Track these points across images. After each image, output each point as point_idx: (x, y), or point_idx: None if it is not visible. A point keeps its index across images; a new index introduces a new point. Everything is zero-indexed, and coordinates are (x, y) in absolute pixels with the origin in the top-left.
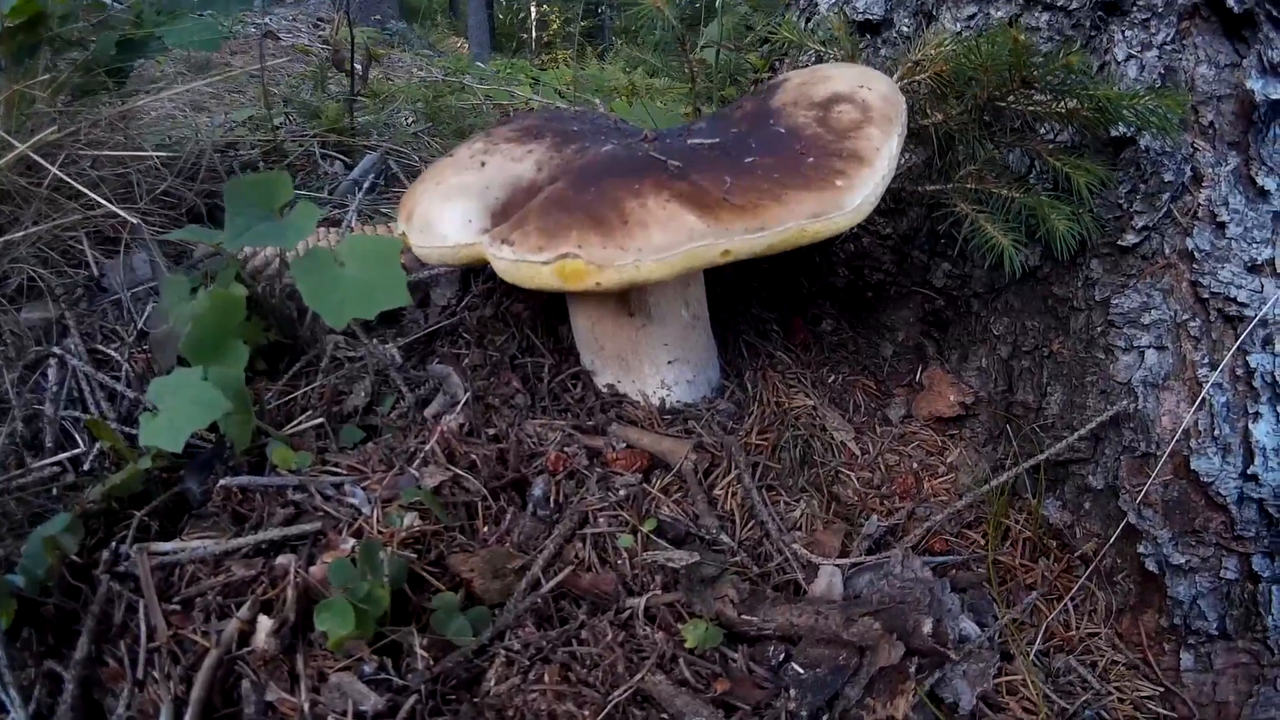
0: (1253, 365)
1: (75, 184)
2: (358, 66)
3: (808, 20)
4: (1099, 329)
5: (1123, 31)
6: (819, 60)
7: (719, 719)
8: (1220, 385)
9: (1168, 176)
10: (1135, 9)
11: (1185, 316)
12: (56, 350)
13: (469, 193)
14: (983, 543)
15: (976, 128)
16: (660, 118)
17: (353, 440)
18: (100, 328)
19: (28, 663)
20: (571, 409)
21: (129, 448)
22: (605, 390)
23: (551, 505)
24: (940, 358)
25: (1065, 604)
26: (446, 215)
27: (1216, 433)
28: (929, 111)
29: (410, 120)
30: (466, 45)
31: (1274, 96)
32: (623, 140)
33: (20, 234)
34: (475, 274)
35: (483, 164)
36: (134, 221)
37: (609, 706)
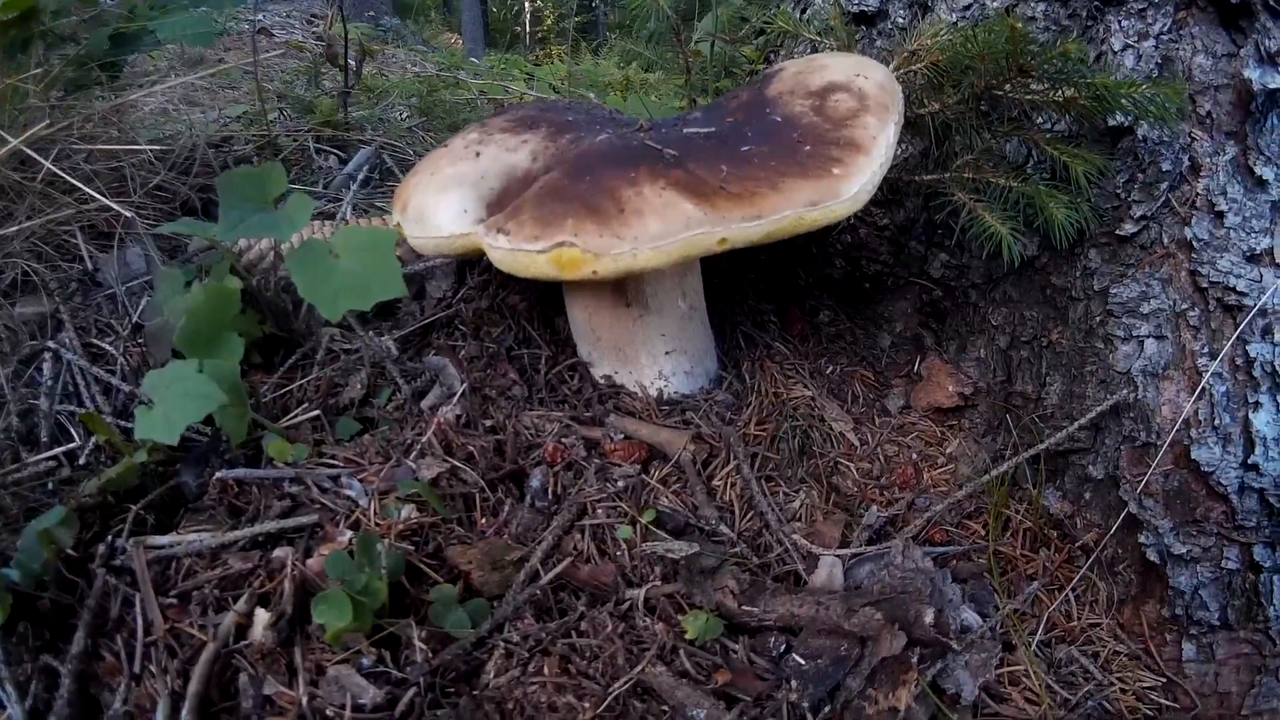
0: (1252, 354)
1: (69, 178)
2: (351, 62)
3: (803, 11)
4: (1098, 319)
5: (1119, 21)
6: (814, 51)
7: (720, 711)
8: (1220, 375)
9: (1166, 166)
10: None
11: (1184, 306)
12: (51, 345)
13: (464, 183)
14: (983, 533)
15: (973, 117)
16: (655, 112)
17: (349, 433)
18: (95, 322)
19: (24, 658)
20: (569, 400)
21: (124, 441)
22: (602, 381)
23: (550, 497)
24: (938, 348)
25: (1066, 594)
26: (442, 206)
27: (1217, 422)
28: (925, 101)
29: (404, 115)
30: (460, 41)
31: (1271, 86)
32: (618, 130)
33: (14, 229)
34: (471, 266)
35: (477, 154)
36: (128, 215)
37: (609, 699)
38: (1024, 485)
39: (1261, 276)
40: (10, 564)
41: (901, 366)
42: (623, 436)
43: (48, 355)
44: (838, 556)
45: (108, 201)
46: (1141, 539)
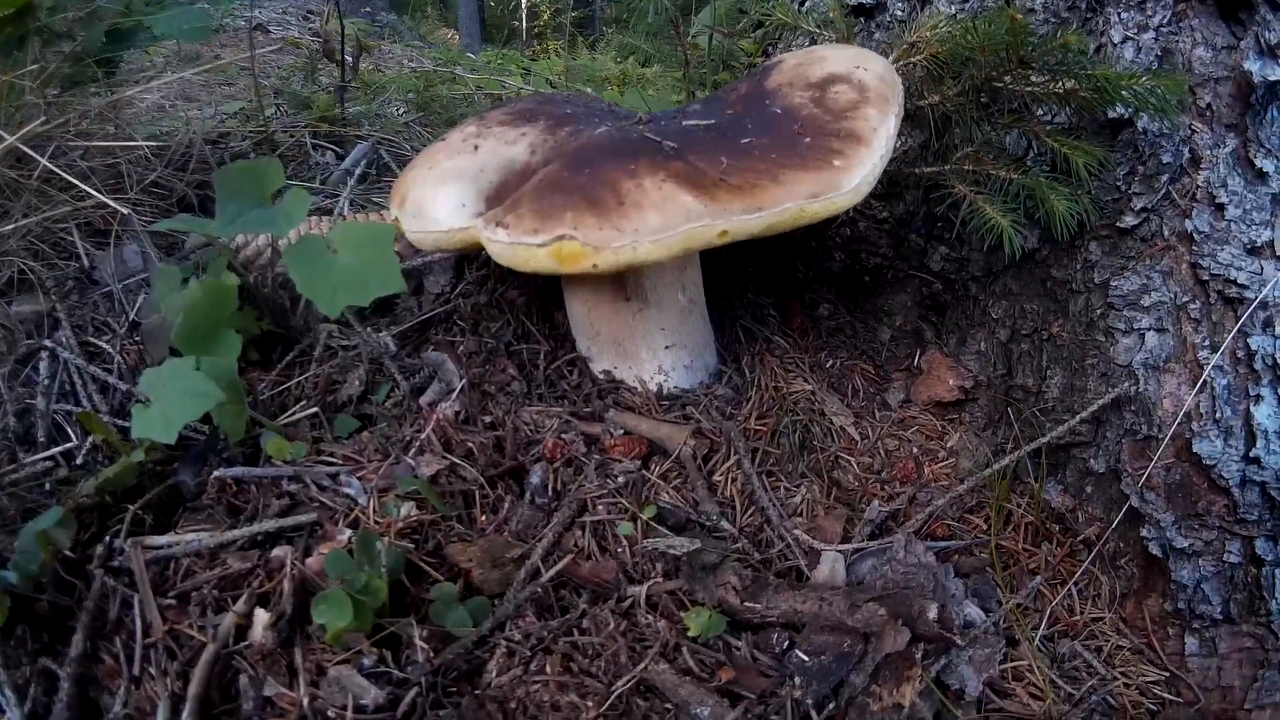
0: (1253, 347)
1: (65, 175)
2: (348, 57)
3: (801, 4)
4: (1099, 311)
5: (1119, 13)
6: (813, 43)
7: (724, 708)
8: (1221, 368)
9: (1166, 158)
10: None
11: (1185, 299)
12: (48, 343)
13: (462, 177)
14: (985, 527)
15: (974, 109)
16: (653, 105)
17: (348, 430)
18: (92, 320)
19: (22, 661)
20: (568, 395)
21: (122, 440)
22: (602, 376)
23: (550, 493)
24: (939, 342)
25: (1069, 589)
26: (440, 200)
27: (1218, 415)
28: (925, 93)
29: (401, 110)
30: (457, 36)
31: (1271, 78)
32: (617, 122)
33: (10, 226)
34: (469, 261)
35: (476, 148)
36: (125, 212)
37: (612, 697)
38: (1025, 479)
39: (1262, 269)
40: (8, 566)
41: (902, 360)
42: (623, 432)
43: (44, 354)
44: (839, 552)
45: (104, 198)
46: (1143, 533)
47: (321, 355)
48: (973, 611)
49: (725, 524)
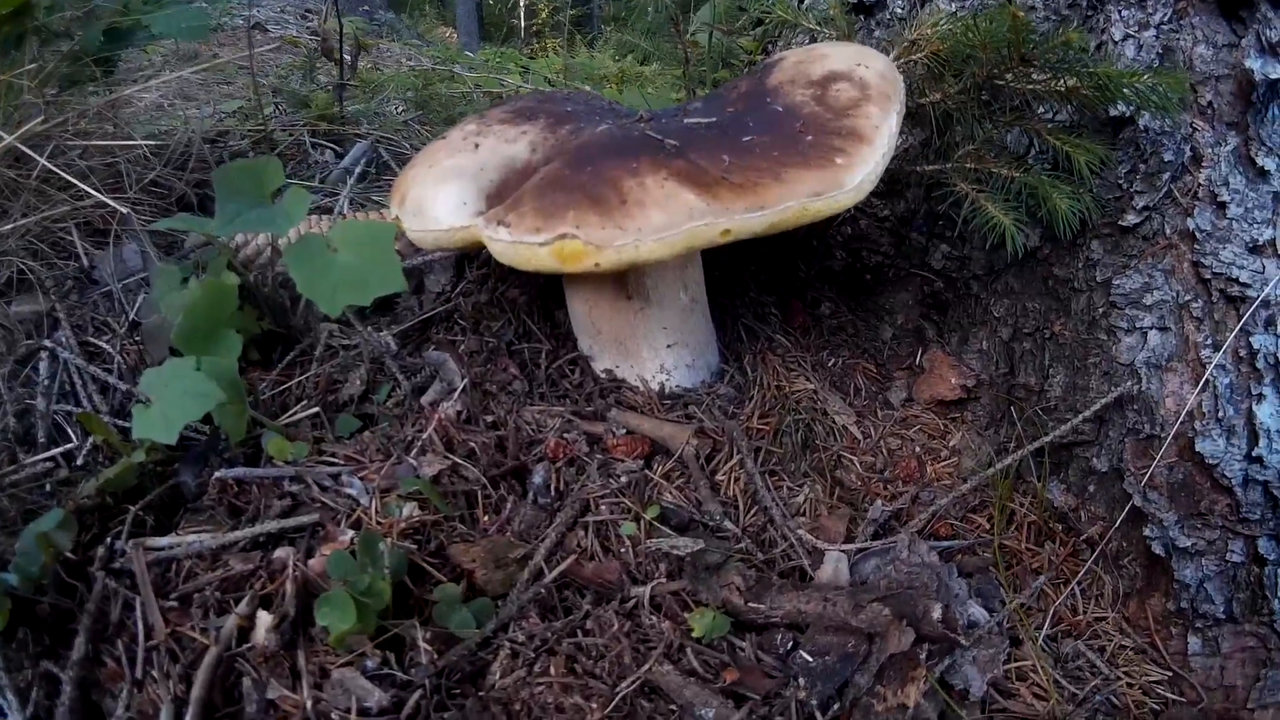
0: (1255, 346)
1: (64, 175)
2: (346, 55)
3: (801, 2)
4: (1101, 310)
5: (1120, 11)
6: (813, 41)
7: (729, 709)
8: (1223, 367)
9: (1167, 156)
10: None
11: (1187, 297)
12: (47, 343)
13: (463, 175)
14: (988, 527)
15: (975, 107)
16: (652, 103)
17: (349, 429)
18: (91, 320)
19: (24, 664)
20: (570, 395)
21: (122, 441)
22: (603, 375)
23: (552, 493)
24: (940, 340)
25: (1072, 588)
26: (440, 198)
27: (1220, 414)
28: (926, 91)
29: (400, 109)
30: (455, 35)
31: (1273, 76)
32: (618, 120)
33: (9, 226)
34: (470, 259)
35: (476, 146)
36: (124, 212)
37: (617, 698)
38: (1028, 478)
39: (1264, 268)
40: (9, 568)
41: (903, 358)
42: (625, 431)
43: (44, 354)
44: (843, 552)
45: (103, 198)
46: (1146, 532)
47: (322, 355)
48: (976, 611)
49: (728, 524)
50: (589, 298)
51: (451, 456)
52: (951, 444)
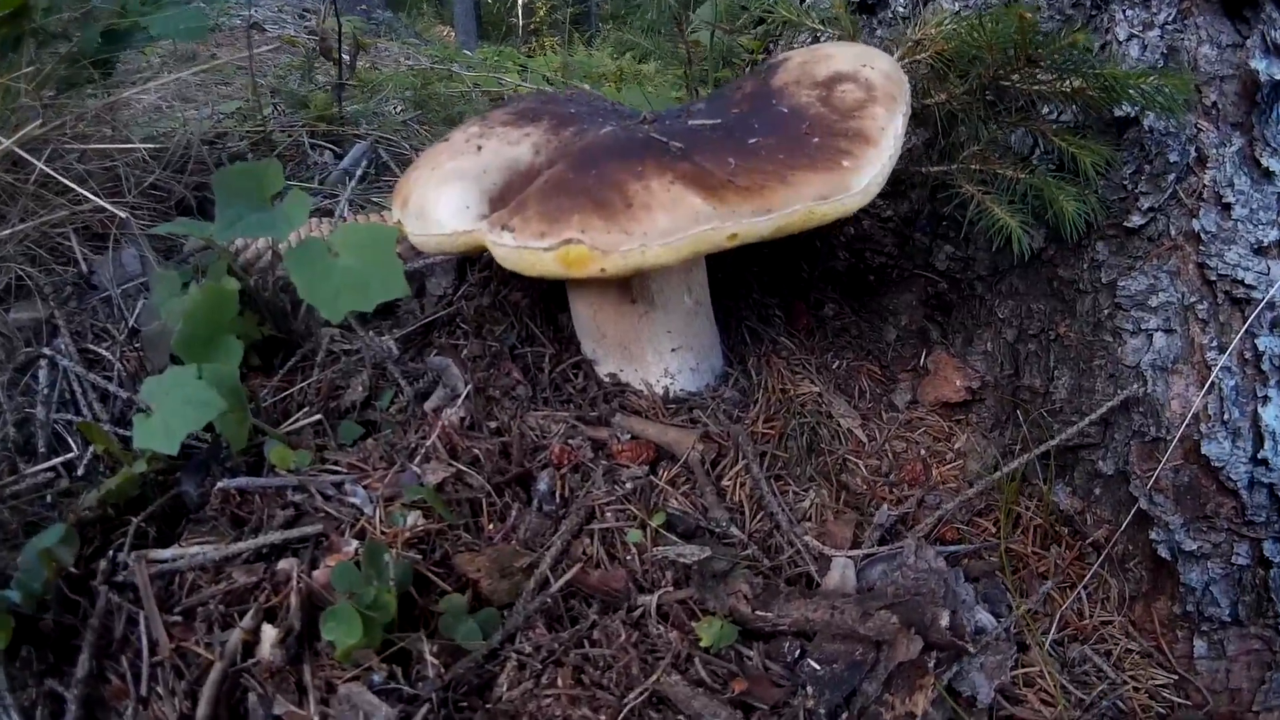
0: (1261, 348)
1: (62, 179)
2: (345, 55)
3: (803, 0)
4: (1106, 312)
5: (1124, 10)
6: (815, 40)
7: (738, 719)
8: (1229, 368)
9: (1173, 157)
10: None
11: (1193, 299)
12: (47, 351)
13: (466, 178)
14: (994, 530)
15: (980, 108)
16: (653, 102)
17: (351, 437)
18: (91, 326)
19: (28, 683)
20: (574, 399)
21: (123, 450)
22: (607, 379)
23: (557, 500)
24: (945, 341)
25: (1078, 592)
26: (443, 201)
27: (1226, 417)
28: (931, 92)
29: (399, 109)
30: (453, 33)
31: (1278, 77)
32: (621, 122)
33: (7, 232)
34: (471, 262)
35: (479, 148)
36: (123, 216)
37: (625, 710)
38: (1034, 480)
39: (1269, 269)
40: (11, 584)
41: (908, 360)
42: (630, 436)
43: (43, 362)
44: (850, 558)
45: (101, 202)
46: (1152, 535)
47: (324, 360)
48: (984, 617)
49: (734, 530)
50: (593, 301)
51: (455, 464)
52: (957, 446)
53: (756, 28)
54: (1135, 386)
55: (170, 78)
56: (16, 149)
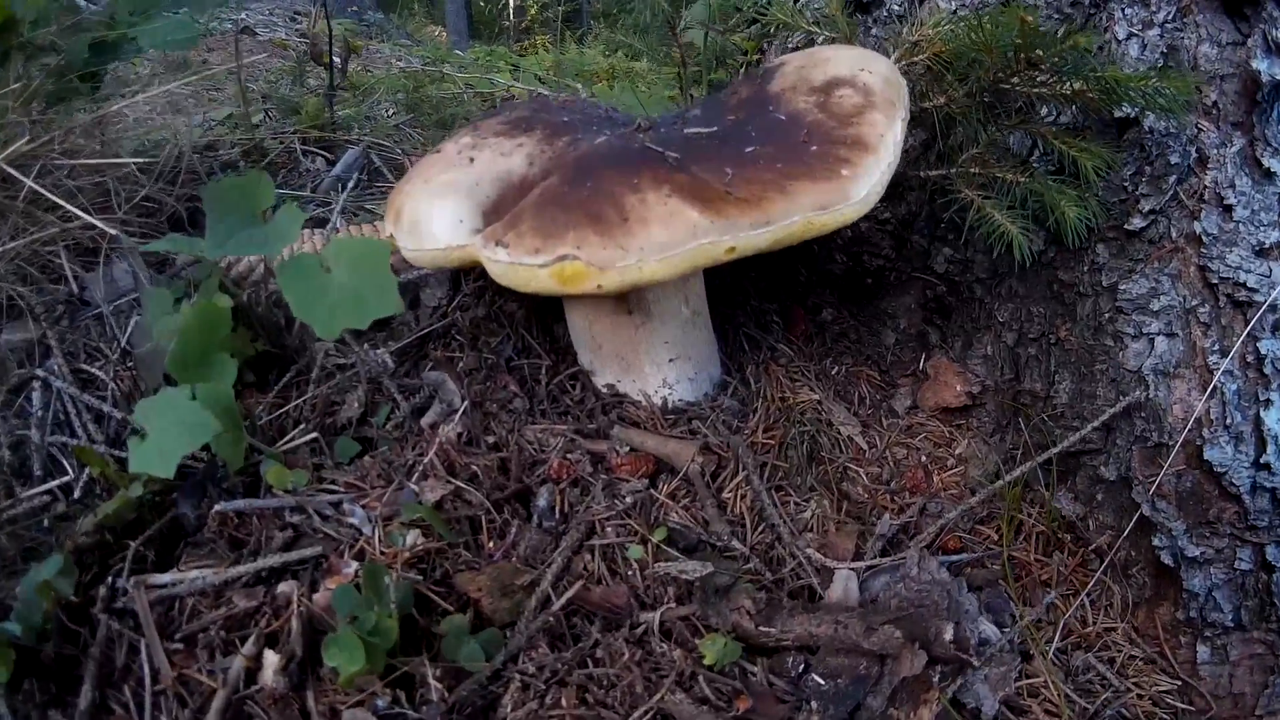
0: (1263, 351)
1: (52, 196)
2: (336, 59)
3: (796, 0)
4: (1107, 315)
5: (1123, 9)
6: (810, 41)
7: None
8: (1231, 372)
9: (1174, 159)
10: None
11: (1194, 302)
12: (40, 372)
13: (459, 190)
14: (996, 538)
15: (979, 110)
16: (645, 102)
17: (348, 454)
18: (84, 345)
19: (31, 715)
20: (572, 412)
21: (119, 473)
22: (605, 390)
23: (557, 516)
24: (944, 346)
25: (1082, 600)
26: (436, 215)
27: (1228, 421)
28: (929, 94)
29: (391, 112)
30: (445, 34)
31: (1279, 77)
32: (615, 130)
33: None
34: (466, 273)
35: (471, 160)
36: (113, 233)
37: None
38: (1036, 486)
39: (1271, 271)
40: (11, 616)
41: (907, 365)
42: (629, 449)
43: (37, 384)
44: (852, 569)
45: (92, 219)
46: (1155, 541)
47: (319, 376)
48: (987, 629)
49: (736, 543)
50: (589, 312)
51: (454, 480)
52: (957, 452)
53: (750, 27)
54: (1138, 392)
55: (160, 88)
56: (6, 166)
